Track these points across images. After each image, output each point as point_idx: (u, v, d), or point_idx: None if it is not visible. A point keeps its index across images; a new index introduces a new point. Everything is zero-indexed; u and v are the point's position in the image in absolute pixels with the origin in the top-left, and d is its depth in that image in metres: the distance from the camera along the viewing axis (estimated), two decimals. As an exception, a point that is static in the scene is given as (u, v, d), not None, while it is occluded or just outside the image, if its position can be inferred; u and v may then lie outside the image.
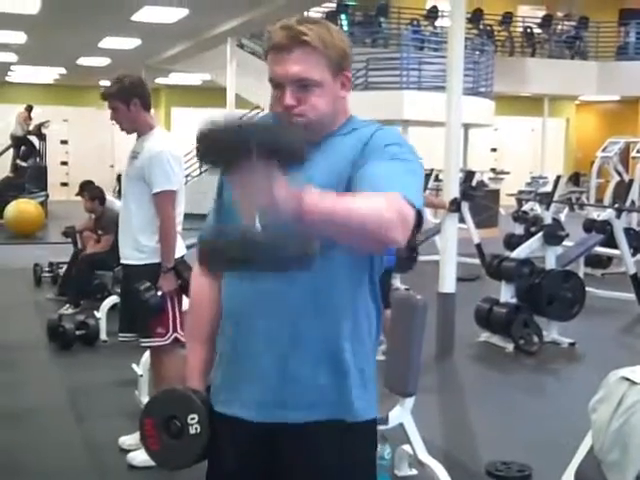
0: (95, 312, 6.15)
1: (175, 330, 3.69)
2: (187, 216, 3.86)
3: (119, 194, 9.19)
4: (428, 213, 10.07)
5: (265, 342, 1.64)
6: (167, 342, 3.69)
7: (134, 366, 4.46)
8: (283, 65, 1.61)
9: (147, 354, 4.35)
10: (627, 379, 2.78)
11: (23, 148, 15.95)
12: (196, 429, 1.71)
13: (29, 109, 16.21)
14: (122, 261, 3.72)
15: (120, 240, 3.73)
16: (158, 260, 3.62)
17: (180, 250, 3.72)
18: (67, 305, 6.97)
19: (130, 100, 3.56)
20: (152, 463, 1.85)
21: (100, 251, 7.08)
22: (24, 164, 15.49)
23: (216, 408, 1.73)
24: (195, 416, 1.71)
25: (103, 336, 5.99)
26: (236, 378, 1.70)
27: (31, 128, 16.17)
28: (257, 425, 1.67)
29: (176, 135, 21.71)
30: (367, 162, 1.57)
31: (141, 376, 4.31)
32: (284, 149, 1.34)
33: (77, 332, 5.91)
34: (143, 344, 3.79)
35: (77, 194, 7.64)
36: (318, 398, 1.65)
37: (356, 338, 1.67)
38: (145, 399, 4.34)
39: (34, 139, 16.28)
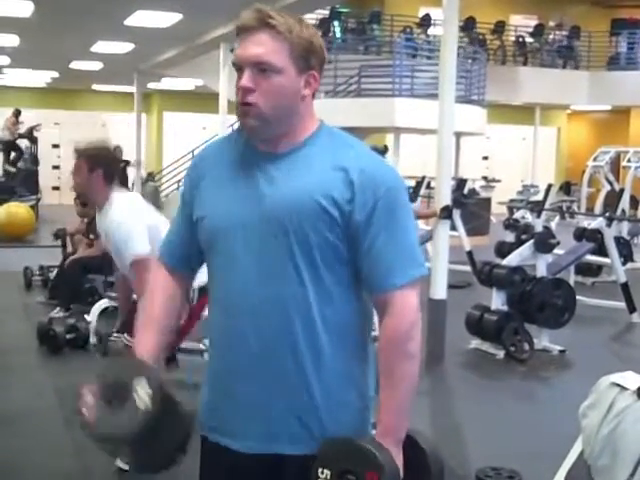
0: (86, 316, 6.13)
1: None
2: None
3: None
4: (420, 220, 10.11)
5: (249, 377, 1.63)
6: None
7: (124, 370, 4.44)
8: (244, 47, 1.58)
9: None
10: (617, 385, 2.79)
11: (13, 154, 15.89)
12: (146, 405, 1.48)
13: (17, 113, 16.14)
14: None
15: None
16: None
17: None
18: (57, 308, 6.94)
19: (95, 168, 3.59)
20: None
21: (91, 255, 7.06)
22: (13, 169, 15.44)
23: (208, 436, 1.71)
24: (144, 384, 1.51)
25: (93, 340, 5.96)
26: (224, 409, 1.67)
27: (20, 132, 16.12)
28: (246, 456, 1.65)
29: (169, 140, 21.68)
30: (364, 227, 1.58)
31: (131, 380, 4.29)
32: None
33: (67, 336, 5.89)
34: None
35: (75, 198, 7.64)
36: (301, 431, 1.62)
37: (343, 361, 1.65)
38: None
39: (25, 142, 16.23)
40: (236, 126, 1.72)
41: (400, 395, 1.61)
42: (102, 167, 3.60)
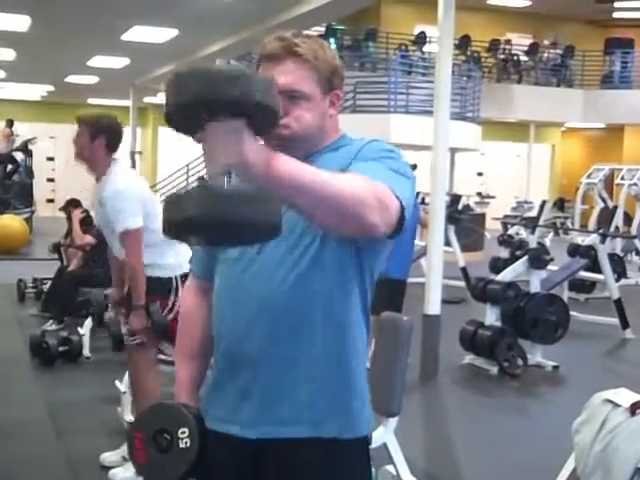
0: (79, 328, 6.11)
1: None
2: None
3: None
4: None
5: (255, 362, 1.63)
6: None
7: (117, 383, 4.43)
8: (273, 74, 1.58)
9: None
10: (610, 401, 2.79)
11: (9, 167, 15.85)
12: (186, 443, 1.65)
13: (10, 124, 16.08)
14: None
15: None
16: (173, 274, 3.64)
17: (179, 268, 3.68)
18: (51, 321, 6.93)
19: (97, 135, 3.55)
20: None
21: (84, 269, 7.08)
22: (8, 181, 15.41)
23: (207, 424, 1.71)
24: (186, 430, 1.66)
25: (86, 352, 5.95)
26: (227, 395, 1.68)
27: (16, 145, 16.10)
28: (246, 442, 1.65)
29: (164, 154, 21.67)
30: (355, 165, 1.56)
31: (124, 393, 4.28)
32: (256, 107, 1.24)
33: (60, 348, 5.87)
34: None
35: (60, 209, 7.65)
36: (307, 415, 1.62)
37: (348, 352, 1.65)
38: (128, 416, 4.32)
39: (19, 155, 16.20)
40: None
41: (326, 182, 1.34)
42: (105, 135, 3.55)
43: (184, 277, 3.61)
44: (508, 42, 18.43)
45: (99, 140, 3.54)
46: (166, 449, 1.66)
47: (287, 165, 1.30)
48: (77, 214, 7.24)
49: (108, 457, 3.82)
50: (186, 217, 1.21)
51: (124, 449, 3.64)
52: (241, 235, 1.28)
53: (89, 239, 7.06)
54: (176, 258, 3.59)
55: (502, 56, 18.36)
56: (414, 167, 10.85)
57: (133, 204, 3.51)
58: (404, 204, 1.46)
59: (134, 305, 3.58)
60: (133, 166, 16.24)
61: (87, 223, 7.23)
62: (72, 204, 7.42)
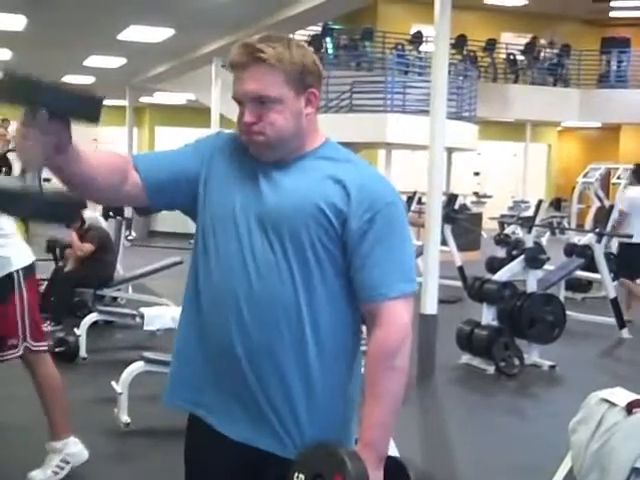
0: (75, 329, 6.10)
1: (25, 340, 3.53)
2: (172, 235, 3.84)
3: (104, 211, 9.19)
4: (412, 235, 10.12)
5: (232, 370, 1.64)
6: (18, 353, 3.54)
7: (114, 384, 4.43)
8: (240, 83, 1.62)
9: (127, 371, 4.33)
10: (607, 401, 2.79)
11: (3, 169, 15.76)
12: None
13: (6, 124, 15.98)
14: None
15: None
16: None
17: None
18: (47, 322, 6.91)
19: None
20: None
21: (80, 270, 7.08)
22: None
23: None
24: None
25: (83, 353, 5.94)
26: (212, 391, 1.68)
27: (12, 146, 16.03)
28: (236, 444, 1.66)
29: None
30: (360, 236, 1.59)
31: (121, 394, 4.28)
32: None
33: (56, 349, 5.84)
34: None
35: None
36: (280, 433, 1.63)
37: (326, 357, 1.64)
38: (125, 417, 4.31)
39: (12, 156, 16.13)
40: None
41: (383, 410, 1.60)
42: None
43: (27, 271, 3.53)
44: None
45: None
46: None
47: (382, 454, 1.59)
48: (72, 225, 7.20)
49: (37, 475, 3.62)
50: None
51: (52, 464, 3.58)
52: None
53: (88, 247, 7.05)
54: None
55: (503, 56, 18.39)
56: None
57: None
58: (415, 289, 1.68)
59: None
60: None
61: (84, 230, 7.20)
62: None
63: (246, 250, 1.61)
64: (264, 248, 1.60)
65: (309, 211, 1.59)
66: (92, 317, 6.20)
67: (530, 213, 11.10)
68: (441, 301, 6.36)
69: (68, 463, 3.61)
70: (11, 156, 16.00)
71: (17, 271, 3.50)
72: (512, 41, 19.30)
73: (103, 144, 21.35)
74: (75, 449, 3.63)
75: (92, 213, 7.63)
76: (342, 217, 1.59)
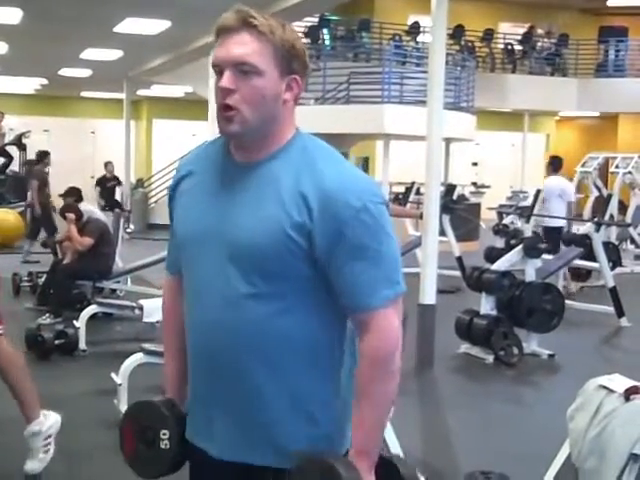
0: (74, 321, 6.11)
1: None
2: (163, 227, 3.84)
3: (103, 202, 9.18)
4: (409, 225, 10.12)
5: (209, 388, 1.64)
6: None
7: (113, 375, 4.44)
8: (226, 46, 1.52)
9: (126, 363, 4.34)
10: (604, 387, 2.80)
11: (2, 160, 15.75)
12: (165, 445, 1.69)
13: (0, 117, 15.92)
14: None
15: None
16: None
17: None
18: (47, 314, 6.92)
19: None
20: None
21: (79, 262, 7.07)
22: (1, 175, 15.35)
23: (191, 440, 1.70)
24: (166, 432, 1.69)
25: (82, 345, 5.95)
26: (208, 415, 1.66)
27: (9, 139, 16.00)
28: (217, 462, 1.64)
29: (158, 146, 21.66)
30: (330, 251, 1.51)
31: (120, 385, 4.29)
32: None
33: (56, 341, 5.86)
34: None
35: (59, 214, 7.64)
36: (263, 443, 1.60)
37: (315, 371, 1.60)
38: (124, 408, 4.31)
39: (13, 149, 16.13)
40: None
41: (376, 416, 1.57)
42: None
43: None
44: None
45: None
46: (150, 446, 1.72)
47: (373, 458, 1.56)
48: (71, 219, 7.19)
49: (32, 465, 3.60)
50: None
51: (39, 446, 3.56)
52: None
53: (88, 241, 7.03)
54: None
55: (501, 45, 18.35)
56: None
57: None
58: (403, 290, 1.57)
59: None
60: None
61: (83, 223, 7.20)
62: (66, 209, 7.37)
63: (214, 278, 1.57)
64: (234, 276, 1.55)
65: (277, 238, 1.51)
66: (91, 309, 6.21)
67: (528, 203, 11.08)
68: (440, 291, 6.37)
69: (50, 436, 3.60)
70: (11, 148, 16.04)
71: None
72: (510, 31, 19.24)
73: (100, 137, 21.38)
74: (50, 421, 3.58)
75: (89, 206, 7.60)
76: (309, 235, 1.51)
